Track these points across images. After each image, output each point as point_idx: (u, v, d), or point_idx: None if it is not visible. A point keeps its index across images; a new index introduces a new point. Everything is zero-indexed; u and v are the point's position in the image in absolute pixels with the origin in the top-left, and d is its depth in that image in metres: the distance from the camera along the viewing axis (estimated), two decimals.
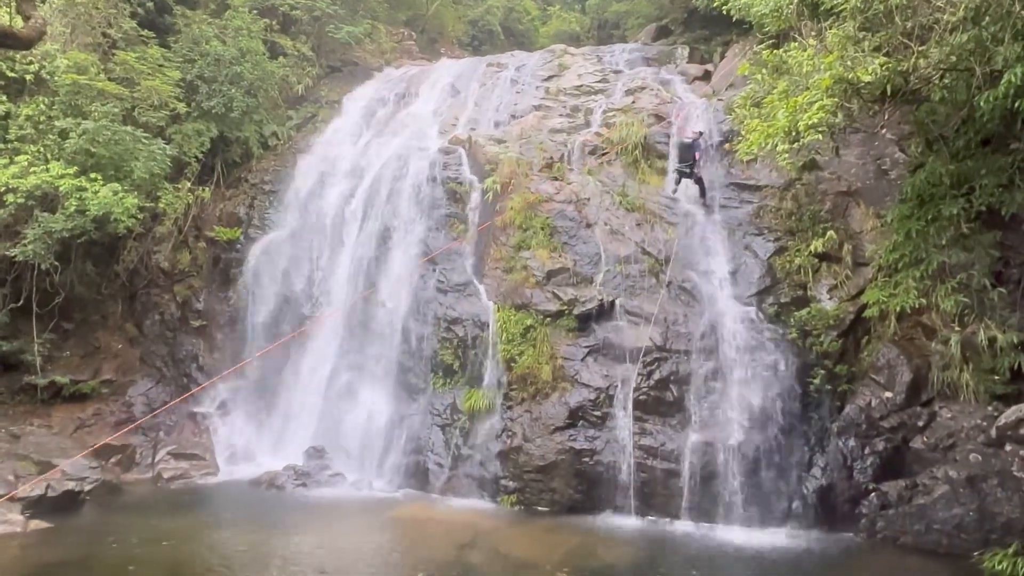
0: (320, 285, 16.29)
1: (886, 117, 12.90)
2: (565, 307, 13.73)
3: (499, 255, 14.82)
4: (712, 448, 12.15)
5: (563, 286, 14.07)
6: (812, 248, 13.27)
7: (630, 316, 13.55)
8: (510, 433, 13.03)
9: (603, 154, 16.15)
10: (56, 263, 14.61)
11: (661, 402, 12.67)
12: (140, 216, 15.38)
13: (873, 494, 11.35)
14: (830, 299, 13.01)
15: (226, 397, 16.07)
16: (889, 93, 10.12)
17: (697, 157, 14.01)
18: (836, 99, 9.76)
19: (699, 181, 14.37)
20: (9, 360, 14.43)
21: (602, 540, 11.20)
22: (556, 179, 15.71)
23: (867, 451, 11.67)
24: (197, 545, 10.61)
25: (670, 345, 13.03)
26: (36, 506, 11.58)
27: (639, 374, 12.85)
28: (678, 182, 14.72)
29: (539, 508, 12.43)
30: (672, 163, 15.11)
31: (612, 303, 13.69)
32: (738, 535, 11.41)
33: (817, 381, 12.30)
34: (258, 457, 14.89)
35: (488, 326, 14.04)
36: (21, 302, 14.65)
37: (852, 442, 11.80)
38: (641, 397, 12.70)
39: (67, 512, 11.73)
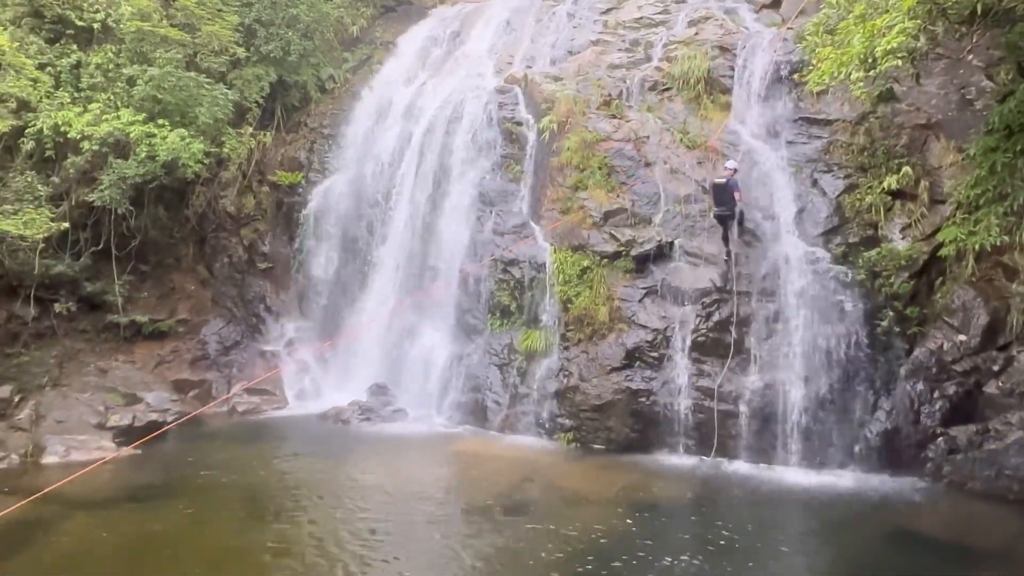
0: (380, 227, 16.53)
1: (974, 40, 11.94)
2: (623, 248, 13.58)
3: (556, 196, 14.67)
4: (772, 390, 12.00)
5: (621, 227, 13.87)
6: (885, 185, 12.61)
7: (689, 257, 13.30)
8: (567, 373, 13.16)
9: (664, 90, 15.59)
10: (131, 208, 15.30)
11: (720, 344, 12.52)
12: (206, 161, 15.84)
13: (941, 439, 11.04)
14: (903, 239, 12.42)
15: (293, 336, 16.74)
16: (979, 13, 9.35)
17: (737, 197, 12.40)
18: (919, 21, 9.09)
19: (739, 216, 12.74)
20: (94, 300, 15.32)
21: (658, 478, 11.33)
22: (614, 117, 15.30)
23: (936, 395, 11.30)
24: (271, 472, 11.27)
25: (730, 286, 12.77)
26: (125, 435, 12.50)
27: (698, 315, 12.70)
28: (726, 229, 12.86)
29: (595, 446, 12.63)
30: (710, 209, 13.12)
31: (671, 244, 13.45)
32: (797, 476, 11.34)
33: (885, 323, 11.89)
34: (324, 393, 15.55)
35: (545, 267, 14.05)
36: (101, 245, 15.45)
37: (921, 386, 11.44)
38: (700, 339, 12.58)
39: (152, 440, 12.58)
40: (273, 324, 16.93)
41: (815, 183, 13.39)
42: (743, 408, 12.04)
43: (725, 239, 12.98)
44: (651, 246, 13.40)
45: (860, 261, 12.38)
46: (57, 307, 14.51)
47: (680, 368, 12.47)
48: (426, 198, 16.01)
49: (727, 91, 15.12)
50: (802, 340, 12.07)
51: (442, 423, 14.00)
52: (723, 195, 12.59)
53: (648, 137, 14.74)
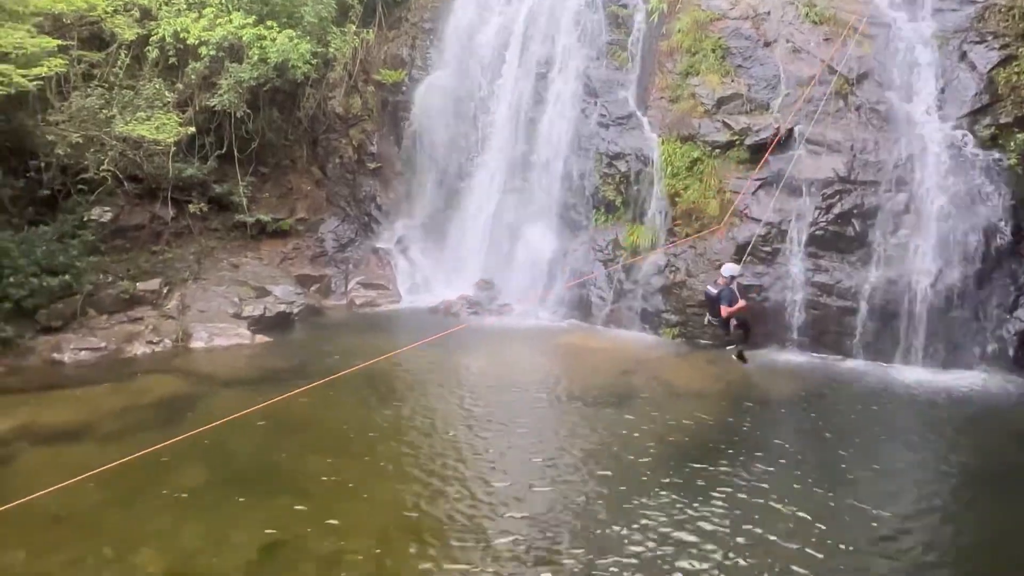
0: (482, 123, 16.42)
1: None
2: (736, 137, 12.84)
3: (664, 84, 13.93)
4: (896, 286, 11.32)
5: (735, 114, 13.07)
6: None
7: (810, 145, 12.40)
8: (673, 268, 12.94)
9: None
10: (248, 111, 15.96)
11: (841, 237, 11.83)
12: (313, 62, 16.11)
13: None
14: None
15: (403, 234, 17.32)
16: None
17: (723, 311, 9.98)
18: None
19: (742, 325, 10.54)
20: (222, 201, 16.41)
21: (767, 374, 11.15)
22: None
23: None
24: (386, 360, 12.01)
25: (856, 176, 11.88)
26: (258, 324, 13.62)
27: (817, 208, 11.98)
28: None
29: (701, 341, 12.53)
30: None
31: (790, 131, 12.56)
32: (918, 375, 10.84)
33: None
34: (434, 288, 16.16)
35: (652, 160, 13.58)
36: (224, 149, 16.33)
37: None
38: (818, 232, 11.93)
39: (282, 329, 13.69)
40: (384, 222, 17.54)
41: (963, 56, 11.93)
42: (863, 304, 11.48)
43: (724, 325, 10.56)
44: (768, 134, 12.58)
45: (1012, 144, 11.12)
46: (191, 208, 15.65)
47: (795, 263, 11.94)
48: (529, 91, 15.65)
49: None
50: (935, 233, 11.20)
51: (547, 317, 14.28)
52: (713, 308, 10.20)
53: (768, 13, 13.53)
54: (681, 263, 12.86)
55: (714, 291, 10.10)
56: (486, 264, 15.69)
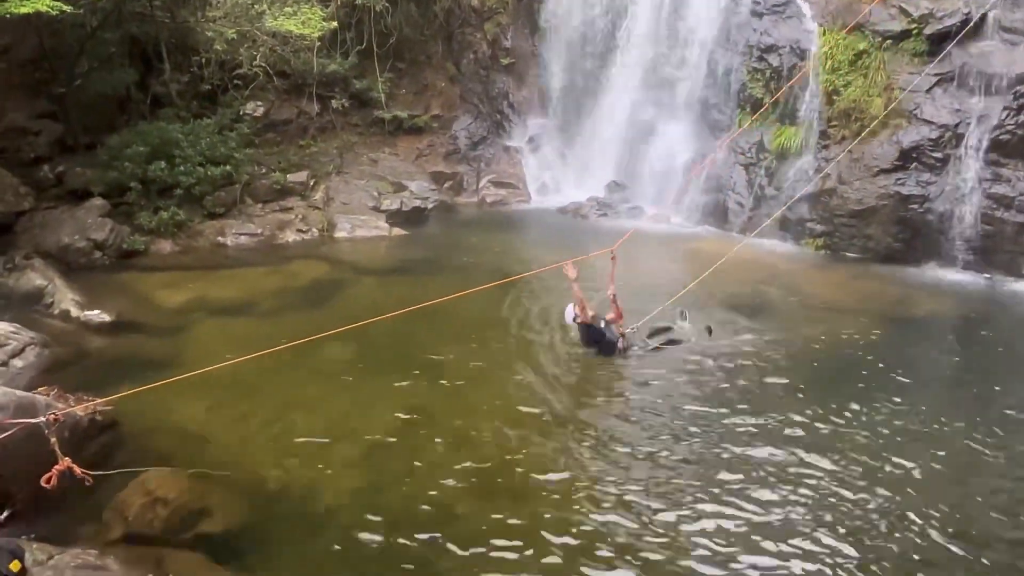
0: (621, 15, 15.50)
1: None
2: (914, 25, 11.33)
3: None
4: None
5: None
6: None
7: (1007, 34, 10.74)
8: (823, 174, 11.96)
9: None
10: (387, 5, 15.99)
11: None
12: None
13: None
14: None
15: (534, 133, 17.10)
16: None
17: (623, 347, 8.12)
18: None
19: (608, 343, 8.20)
20: (362, 97, 16.86)
21: (921, 292, 10.28)
22: None
23: None
24: (514, 255, 12.25)
25: None
26: (395, 217, 14.20)
27: (1006, 108, 10.49)
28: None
29: (848, 254, 11.70)
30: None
31: (983, 17, 10.88)
32: None
33: None
34: (564, 188, 16.02)
35: (809, 54, 12.33)
36: (364, 44, 16.60)
37: None
38: (1003, 136, 10.50)
39: (416, 223, 14.22)
40: (516, 120, 17.37)
41: None
42: None
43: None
44: (955, 20, 10.99)
45: None
46: (334, 103, 16.23)
47: (970, 171, 10.65)
48: None
49: None
50: None
51: (680, 222, 13.81)
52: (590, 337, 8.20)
53: None
54: (833, 168, 11.84)
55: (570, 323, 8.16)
56: (618, 165, 15.26)
